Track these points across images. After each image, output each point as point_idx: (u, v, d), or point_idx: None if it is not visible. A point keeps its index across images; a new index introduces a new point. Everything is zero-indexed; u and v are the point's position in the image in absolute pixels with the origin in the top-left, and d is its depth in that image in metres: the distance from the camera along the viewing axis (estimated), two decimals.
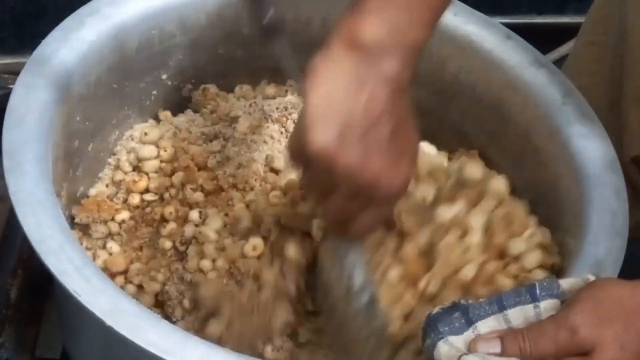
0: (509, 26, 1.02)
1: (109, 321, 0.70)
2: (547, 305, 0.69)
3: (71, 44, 0.90)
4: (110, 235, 0.93)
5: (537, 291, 0.69)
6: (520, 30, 1.02)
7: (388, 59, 0.71)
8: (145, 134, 0.99)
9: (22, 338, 0.98)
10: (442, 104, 1.05)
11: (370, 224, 0.79)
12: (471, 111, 1.03)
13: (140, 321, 0.70)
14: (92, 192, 0.96)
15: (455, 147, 1.01)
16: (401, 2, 0.72)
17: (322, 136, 0.70)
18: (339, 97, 0.71)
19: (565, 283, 0.70)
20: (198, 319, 0.84)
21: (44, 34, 0.90)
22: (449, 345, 0.68)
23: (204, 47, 1.03)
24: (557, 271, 0.85)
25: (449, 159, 0.98)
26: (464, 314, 0.69)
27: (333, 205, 0.76)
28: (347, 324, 0.82)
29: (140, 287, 0.89)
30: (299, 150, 0.73)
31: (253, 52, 1.05)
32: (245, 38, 1.04)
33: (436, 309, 0.70)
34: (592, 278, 0.71)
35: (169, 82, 1.04)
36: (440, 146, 1.00)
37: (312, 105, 0.71)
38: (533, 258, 0.85)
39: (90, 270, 0.73)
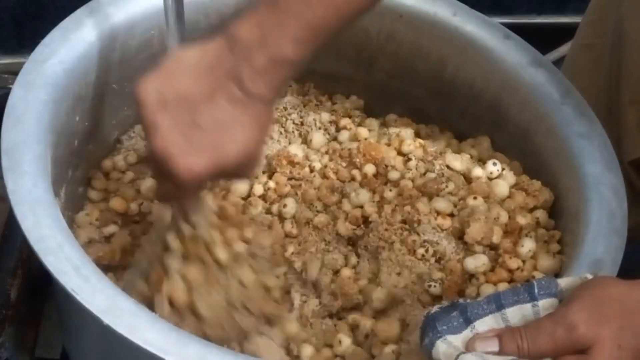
0: (509, 26, 1.02)
1: (107, 320, 0.70)
2: (545, 304, 0.69)
3: (71, 44, 0.90)
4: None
5: (536, 290, 0.69)
6: (520, 30, 1.02)
7: (245, 61, 0.72)
8: None
9: (22, 338, 0.98)
10: (442, 104, 1.05)
11: (161, 193, 0.80)
12: (470, 111, 1.03)
13: (138, 320, 0.70)
14: (92, 193, 0.96)
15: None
16: (283, 14, 0.72)
17: (146, 85, 0.73)
18: (184, 67, 0.73)
19: (564, 282, 0.70)
20: None
21: (44, 34, 0.90)
22: (447, 344, 0.68)
23: None
24: None
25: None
26: (462, 313, 0.69)
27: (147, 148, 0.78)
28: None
29: None
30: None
31: None
32: None
33: (435, 308, 0.70)
34: (590, 277, 0.71)
35: None
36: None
37: (163, 60, 0.74)
38: None
39: (88, 270, 0.73)
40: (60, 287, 0.72)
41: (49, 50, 0.89)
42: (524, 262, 0.89)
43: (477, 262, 0.88)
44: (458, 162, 0.96)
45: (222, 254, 0.81)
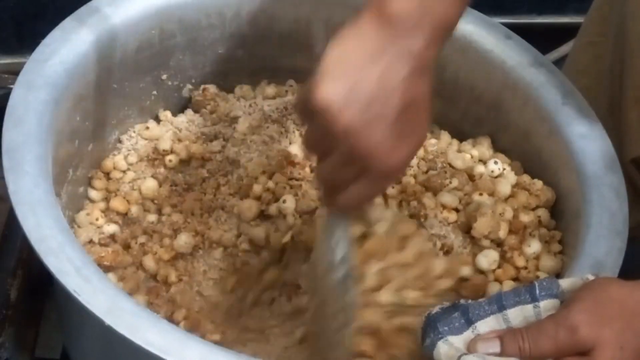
0: (509, 26, 1.02)
1: (109, 320, 0.69)
2: (546, 305, 0.69)
3: (71, 44, 0.90)
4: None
5: (537, 291, 0.69)
6: (520, 30, 1.02)
7: (413, 34, 0.70)
8: (147, 128, 1.00)
9: (22, 338, 0.98)
10: (442, 104, 1.04)
11: (357, 197, 0.76)
12: (471, 111, 1.03)
13: (140, 320, 0.70)
14: (92, 193, 0.96)
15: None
16: None
17: (330, 90, 0.68)
18: (355, 61, 0.69)
19: (565, 283, 0.70)
20: None
21: (44, 34, 0.90)
22: (449, 345, 0.68)
23: (204, 47, 1.03)
24: None
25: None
26: (463, 314, 0.69)
27: (328, 167, 0.74)
28: (325, 298, 0.80)
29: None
30: (306, 103, 0.70)
31: (253, 52, 1.05)
32: (245, 38, 1.04)
33: (436, 309, 0.70)
34: (591, 278, 0.71)
35: (169, 82, 1.04)
36: None
37: (328, 62, 0.70)
38: None
39: (89, 270, 0.73)
40: (61, 288, 0.72)
41: (49, 50, 0.89)
42: (527, 261, 0.89)
43: (489, 259, 0.88)
44: (460, 161, 0.96)
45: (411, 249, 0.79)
